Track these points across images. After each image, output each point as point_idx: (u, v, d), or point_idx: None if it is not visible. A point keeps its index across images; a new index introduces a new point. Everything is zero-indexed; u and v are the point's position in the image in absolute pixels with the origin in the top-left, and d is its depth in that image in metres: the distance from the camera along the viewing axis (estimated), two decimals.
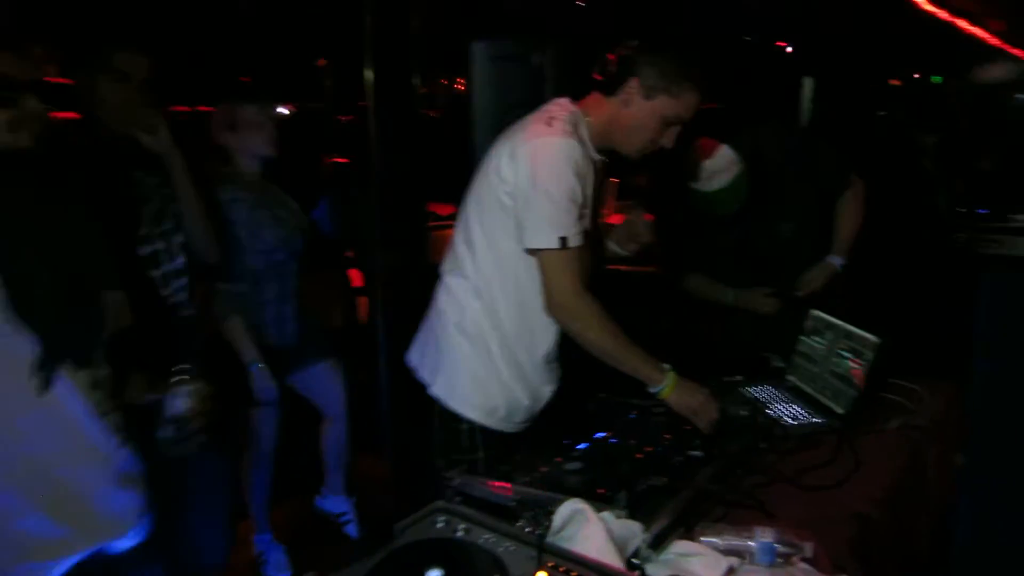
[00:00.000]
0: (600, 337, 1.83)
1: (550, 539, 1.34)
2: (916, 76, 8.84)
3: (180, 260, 2.21)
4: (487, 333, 1.93)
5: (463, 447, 1.98)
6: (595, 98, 1.90)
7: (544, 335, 1.96)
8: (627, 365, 1.85)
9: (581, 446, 1.77)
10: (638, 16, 5.17)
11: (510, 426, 2.00)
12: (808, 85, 5.33)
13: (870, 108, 6.29)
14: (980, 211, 4.43)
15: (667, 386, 1.83)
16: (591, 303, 1.82)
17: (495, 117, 2.74)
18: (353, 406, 2.97)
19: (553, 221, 1.77)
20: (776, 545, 1.41)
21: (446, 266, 2.02)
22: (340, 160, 4.68)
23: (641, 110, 1.83)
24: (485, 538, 1.32)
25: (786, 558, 1.42)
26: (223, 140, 2.68)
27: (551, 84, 2.77)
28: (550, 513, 1.43)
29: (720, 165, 2.39)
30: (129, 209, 2.11)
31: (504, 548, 1.29)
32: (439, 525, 1.42)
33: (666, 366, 1.86)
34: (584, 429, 1.87)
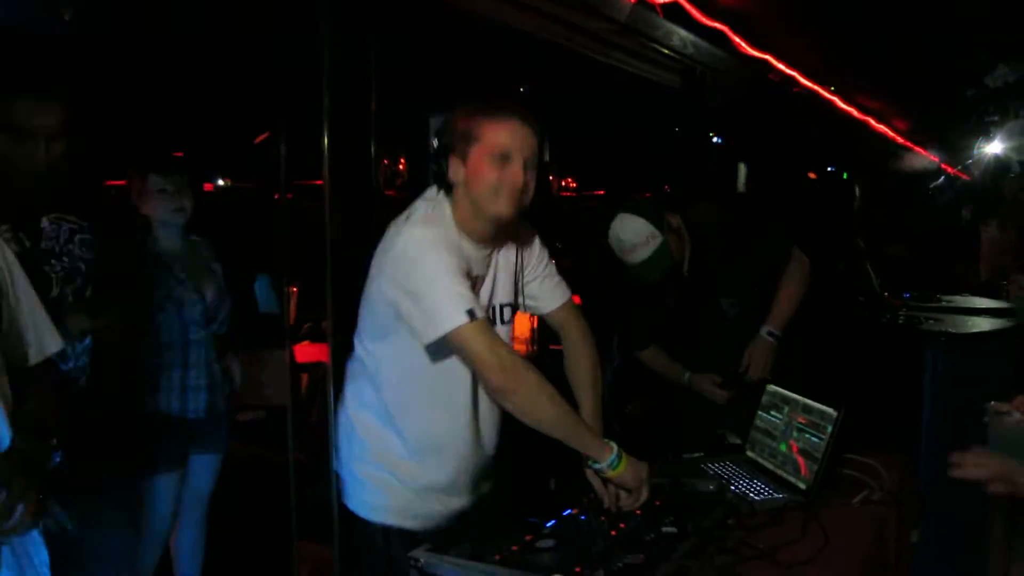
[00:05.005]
0: (546, 408, 1.68)
1: None
2: (830, 169, 9.36)
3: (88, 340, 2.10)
4: (390, 450, 1.86)
5: (376, 549, 1.86)
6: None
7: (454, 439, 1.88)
8: (575, 438, 1.73)
9: (550, 524, 1.71)
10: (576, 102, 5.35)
11: (430, 524, 1.88)
12: (743, 170, 5.58)
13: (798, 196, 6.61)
14: (905, 295, 4.64)
15: (621, 459, 1.75)
16: (527, 371, 1.68)
17: None
18: (298, 490, 2.84)
19: (448, 300, 1.65)
20: None
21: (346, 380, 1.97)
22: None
23: (470, 172, 1.74)
24: None
25: None
26: (140, 209, 2.65)
27: None
28: None
29: (639, 239, 2.49)
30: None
31: None
32: None
33: (608, 440, 1.78)
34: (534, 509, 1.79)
